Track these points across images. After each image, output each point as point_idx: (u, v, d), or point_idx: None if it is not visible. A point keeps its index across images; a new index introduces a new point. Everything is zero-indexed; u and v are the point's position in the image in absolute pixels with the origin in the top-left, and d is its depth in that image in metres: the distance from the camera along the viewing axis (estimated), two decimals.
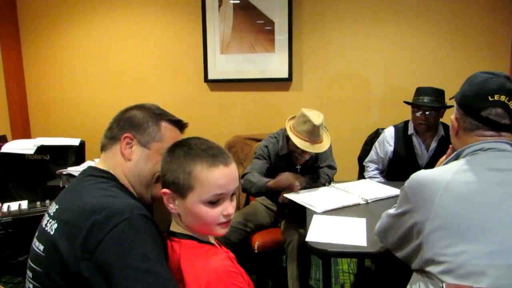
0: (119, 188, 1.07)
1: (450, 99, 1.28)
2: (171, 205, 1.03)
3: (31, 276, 1.00)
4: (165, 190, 1.02)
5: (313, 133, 2.16)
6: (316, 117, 2.17)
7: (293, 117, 2.30)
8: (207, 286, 0.93)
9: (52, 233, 0.97)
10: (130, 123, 1.13)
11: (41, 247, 0.98)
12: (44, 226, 1.02)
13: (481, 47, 2.94)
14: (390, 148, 2.55)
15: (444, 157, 1.43)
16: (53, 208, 1.05)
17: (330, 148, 2.37)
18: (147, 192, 1.14)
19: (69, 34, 3.53)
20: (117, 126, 1.14)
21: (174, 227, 1.06)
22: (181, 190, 1.00)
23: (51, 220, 1.00)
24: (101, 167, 1.12)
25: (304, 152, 2.23)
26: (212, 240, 1.10)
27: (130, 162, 1.12)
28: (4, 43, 3.51)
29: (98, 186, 1.04)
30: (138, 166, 1.11)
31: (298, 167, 2.37)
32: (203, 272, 0.95)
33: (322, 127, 2.21)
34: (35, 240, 1.03)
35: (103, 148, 1.15)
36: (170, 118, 1.19)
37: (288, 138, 2.28)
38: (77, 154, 2.96)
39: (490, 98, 1.12)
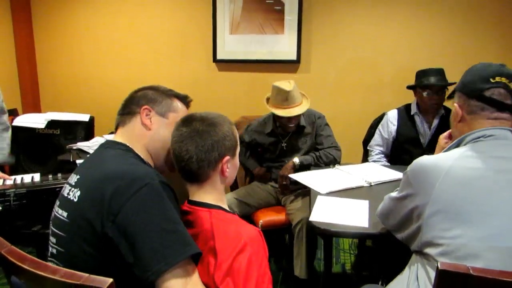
0: (137, 158, 1.13)
1: (450, 95, 1.33)
2: (228, 170, 1.13)
3: (54, 242, 1.06)
4: (226, 157, 1.12)
5: (288, 99, 2.33)
6: (287, 84, 2.36)
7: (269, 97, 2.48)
8: (236, 255, 0.99)
9: (76, 200, 1.02)
10: (145, 98, 1.21)
11: (65, 214, 1.04)
12: (66, 195, 1.07)
13: (489, 30, 2.92)
14: (394, 127, 2.61)
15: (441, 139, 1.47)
16: (74, 178, 1.09)
17: (328, 129, 2.54)
18: (167, 159, 1.21)
19: (79, 11, 3.53)
20: (131, 103, 1.21)
21: (202, 198, 1.13)
22: (234, 149, 1.16)
23: (73, 189, 1.05)
24: (119, 141, 1.17)
25: (288, 119, 2.38)
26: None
27: (151, 132, 1.18)
28: (15, 19, 3.52)
29: (119, 154, 1.11)
30: (160, 133, 1.19)
31: (284, 145, 2.54)
32: (234, 240, 1.02)
33: (295, 91, 2.37)
34: (57, 208, 1.09)
35: (120, 124, 1.21)
36: (178, 95, 1.29)
37: (274, 115, 2.47)
38: (87, 129, 3.01)
39: (492, 80, 1.15)
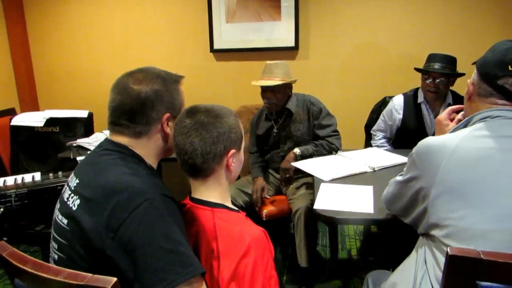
0: (137, 163, 1.06)
1: (472, 64, 1.25)
2: (233, 164, 1.09)
3: (56, 248, 1.03)
4: (232, 151, 1.07)
5: (266, 72, 2.38)
6: (274, 61, 2.41)
7: None
8: (240, 259, 0.96)
9: (74, 208, 0.99)
10: (161, 102, 1.09)
11: (65, 221, 1.00)
12: (66, 200, 1.03)
13: (493, 10, 2.87)
14: (399, 116, 2.52)
15: (453, 122, 1.42)
16: (73, 181, 1.06)
17: (328, 118, 2.44)
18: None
19: (72, 5, 3.49)
20: (144, 109, 1.07)
21: (205, 195, 1.09)
22: (239, 142, 1.11)
23: (72, 195, 1.02)
24: (118, 141, 1.09)
25: (263, 92, 2.40)
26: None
27: (169, 138, 1.12)
28: (8, 16, 3.48)
29: (117, 162, 1.03)
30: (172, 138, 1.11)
31: (275, 131, 2.51)
32: (238, 243, 0.98)
33: (276, 67, 2.37)
34: (57, 212, 1.05)
35: (126, 133, 1.09)
36: (178, 78, 1.18)
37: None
38: (86, 125, 3.00)
39: (510, 68, 1.10)
